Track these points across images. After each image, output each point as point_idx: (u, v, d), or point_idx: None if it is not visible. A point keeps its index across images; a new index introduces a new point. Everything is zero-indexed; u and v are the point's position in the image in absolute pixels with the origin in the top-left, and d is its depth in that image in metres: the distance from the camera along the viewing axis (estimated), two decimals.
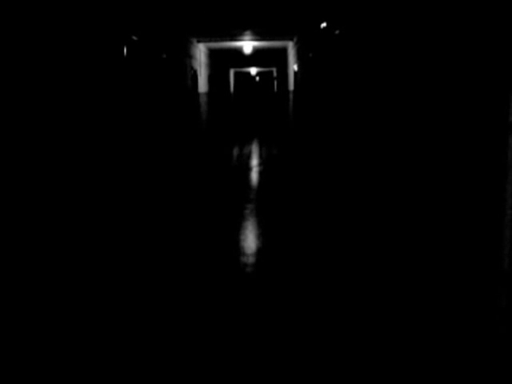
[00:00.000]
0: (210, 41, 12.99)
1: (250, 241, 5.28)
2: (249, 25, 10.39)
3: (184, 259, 4.71)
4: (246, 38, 12.59)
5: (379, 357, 2.95)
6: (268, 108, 28.00)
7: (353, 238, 5.24)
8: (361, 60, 4.95)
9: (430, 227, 3.24)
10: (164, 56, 8.38)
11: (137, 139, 6.55)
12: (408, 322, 3.38)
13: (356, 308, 3.59)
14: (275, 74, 25.16)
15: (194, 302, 3.76)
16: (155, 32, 7.74)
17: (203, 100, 14.31)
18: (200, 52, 13.75)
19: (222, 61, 19.70)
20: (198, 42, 13.11)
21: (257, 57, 18.39)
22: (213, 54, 17.06)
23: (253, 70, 24.48)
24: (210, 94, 16.22)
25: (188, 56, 11.37)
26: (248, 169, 10.47)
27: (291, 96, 14.24)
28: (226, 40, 12.93)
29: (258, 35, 12.15)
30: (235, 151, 13.94)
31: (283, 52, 16.88)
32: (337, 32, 5.89)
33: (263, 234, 5.50)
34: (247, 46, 13.94)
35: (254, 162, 11.66)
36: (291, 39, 13.11)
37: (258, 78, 28.09)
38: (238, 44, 14.01)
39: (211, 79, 16.74)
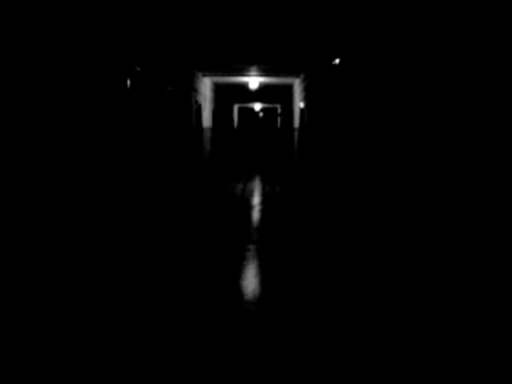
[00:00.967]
0: (215, 75, 12.87)
1: (251, 287, 4.91)
2: (255, 60, 10.25)
3: (180, 309, 4.33)
4: (252, 73, 12.47)
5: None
6: (272, 144, 27.92)
7: (358, 285, 4.88)
8: (369, 97, 4.69)
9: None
10: (169, 89, 8.17)
11: (138, 174, 6.25)
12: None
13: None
14: (279, 111, 25.15)
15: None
16: (161, 64, 7.54)
17: (207, 135, 14.11)
18: (205, 86, 13.63)
19: (227, 95, 19.64)
20: (204, 75, 12.98)
21: (262, 93, 18.32)
22: (218, 89, 16.98)
23: (257, 106, 24.46)
24: (213, 128, 16.05)
25: (193, 89, 11.20)
26: (250, 207, 10.15)
27: (296, 133, 14.05)
28: (232, 75, 12.81)
29: (264, 71, 12.02)
30: (238, 188, 13.66)
31: (289, 89, 16.79)
32: (348, 68, 5.67)
33: (266, 280, 5.14)
34: (253, 81, 13.82)
35: (257, 199, 11.35)
36: (297, 76, 12.98)
37: (261, 114, 28.12)
38: (243, 79, 13.90)
39: (215, 114, 16.61)
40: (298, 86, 13.71)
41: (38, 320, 3.51)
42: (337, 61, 5.94)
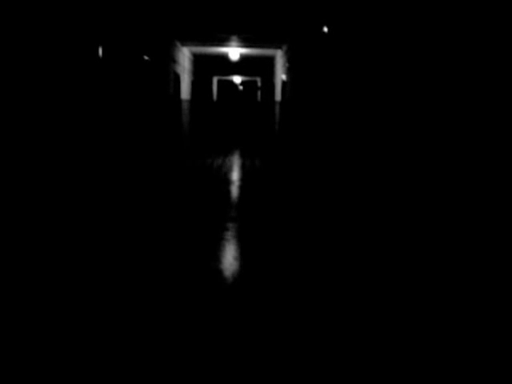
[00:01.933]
0: (195, 45, 12.37)
1: (230, 270, 4.64)
2: (236, 29, 9.81)
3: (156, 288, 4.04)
4: (233, 43, 12.01)
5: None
6: (251, 118, 27.50)
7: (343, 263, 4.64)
8: (361, 68, 4.38)
9: None
10: (146, 58, 7.73)
11: (111, 146, 5.87)
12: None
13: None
14: (259, 84, 24.67)
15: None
16: (137, 32, 7.09)
17: (185, 107, 13.65)
18: (184, 57, 13.12)
19: (207, 67, 19.10)
20: (183, 45, 12.48)
21: (242, 65, 17.83)
22: (197, 60, 16.44)
23: (237, 79, 23.94)
24: (192, 101, 15.57)
25: (172, 60, 10.72)
26: (230, 183, 9.84)
27: (277, 107, 13.68)
28: (212, 45, 12.33)
29: (246, 41, 11.58)
30: (216, 163, 13.31)
31: (270, 61, 16.35)
32: (337, 36, 5.33)
33: (247, 263, 4.86)
34: (233, 52, 13.36)
35: (236, 174, 11.04)
36: (280, 48, 12.57)
37: (241, 87, 27.60)
38: (223, 50, 13.43)
39: (194, 86, 16.11)
40: (280, 58, 13.29)
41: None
42: (325, 29, 5.58)
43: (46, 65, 4.01)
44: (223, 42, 11.73)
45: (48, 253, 4.15)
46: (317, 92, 6.78)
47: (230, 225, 6.29)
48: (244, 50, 13.35)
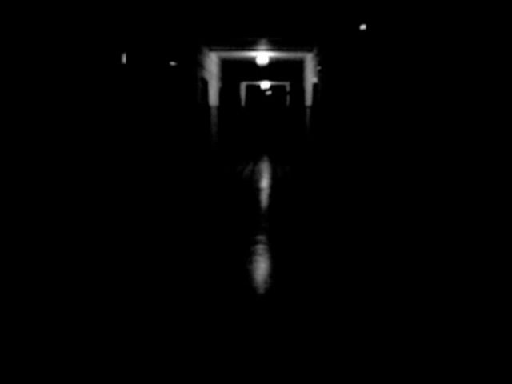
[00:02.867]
0: (222, 49, 12.07)
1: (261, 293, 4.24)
2: (266, 32, 9.45)
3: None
4: (261, 47, 11.67)
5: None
6: (281, 123, 27.11)
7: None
8: (405, 67, 3.94)
9: None
10: (172, 64, 7.42)
11: (140, 157, 5.56)
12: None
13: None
14: (288, 89, 24.28)
15: None
16: (163, 37, 6.79)
17: (214, 114, 13.36)
18: (212, 62, 12.83)
19: (234, 73, 18.82)
20: (210, 50, 12.20)
21: (270, 69, 17.47)
22: (225, 65, 16.16)
23: (265, 84, 23.60)
24: (220, 107, 15.27)
25: (199, 65, 10.43)
26: (260, 190, 9.46)
27: (308, 111, 13.26)
28: (240, 49, 12.01)
29: (275, 44, 11.22)
30: (247, 170, 12.97)
31: (299, 65, 15.95)
32: (375, 34, 4.90)
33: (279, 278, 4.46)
34: (262, 56, 13.01)
35: (267, 182, 10.66)
36: (310, 50, 12.17)
37: (269, 92, 27.25)
38: (251, 54, 13.09)
39: (222, 92, 15.82)
40: (310, 61, 12.89)
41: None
42: (363, 27, 5.15)
43: (61, 75, 3.71)
44: (251, 45, 11.39)
45: (79, 262, 3.84)
46: (352, 95, 6.35)
47: (261, 237, 5.90)
48: (272, 54, 13.00)
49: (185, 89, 8.63)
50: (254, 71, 18.13)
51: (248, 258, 5.11)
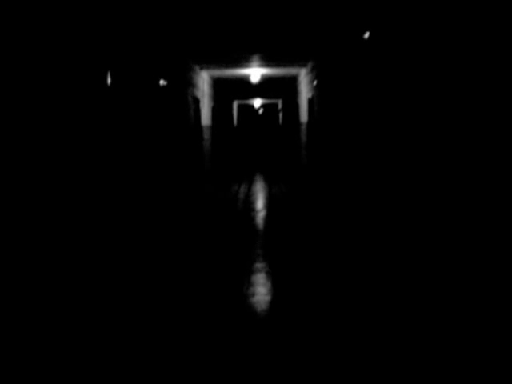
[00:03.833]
0: (213, 68, 11.72)
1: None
2: (258, 47, 9.10)
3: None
4: (254, 64, 11.32)
5: None
6: (274, 142, 26.78)
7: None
8: (415, 76, 3.54)
9: None
10: (162, 83, 7.02)
11: (128, 179, 5.11)
12: None
13: None
14: (280, 106, 24.00)
15: None
16: (151, 55, 6.39)
17: (207, 134, 12.96)
18: (203, 81, 12.47)
19: (226, 91, 18.50)
20: (201, 68, 11.84)
21: (262, 87, 17.15)
22: (216, 84, 15.83)
23: (257, 102, 23.32)
24: (213, 127, 14.89)
25: (190, 84, 10.05)
26: (254, 211, 9.02)
27: (304, 128, 12.89)
28: (232, 67, 11.66)
29: (267, 61, 10.87)
30: (241, 192, 12.54)
31: (292, 81, 15.63)
32: (383, 41, 4.51)
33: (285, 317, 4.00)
34: (254, 73, 12.67)
35: (263, 203, 10.22)
36: (304, 65, 11.84)
37: (261, 111, 26.96)
38: (243, 72, 12.75)
39: (215, 111, 15.45)
40: (304, 76, 12.55)
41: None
42: (366, 35, 4.76)
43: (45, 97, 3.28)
44: (243, 63, 11.05)
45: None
46: (355, 107, 5.95)
47: (259, 265, 5.44)
48: (265, 71, 12.66)
49: (176, 109, 8.23)
50: (247, 89, 17.83)
51: (247, 287, 4.65)
